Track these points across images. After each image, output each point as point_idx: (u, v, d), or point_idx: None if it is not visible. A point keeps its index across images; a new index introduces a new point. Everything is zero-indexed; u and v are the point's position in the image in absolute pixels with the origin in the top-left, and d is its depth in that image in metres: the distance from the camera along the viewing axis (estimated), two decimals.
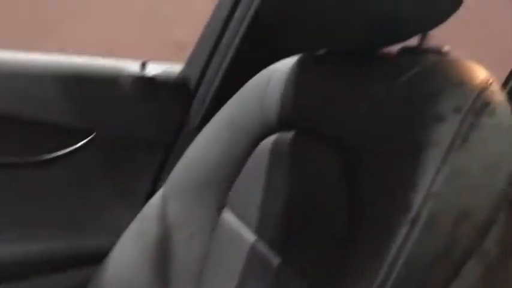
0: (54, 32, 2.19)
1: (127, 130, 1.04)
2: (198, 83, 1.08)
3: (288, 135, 0.65)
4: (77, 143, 1.00)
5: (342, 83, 0.61)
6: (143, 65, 1.06)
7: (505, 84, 1.74)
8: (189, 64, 1.12)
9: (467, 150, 0.49)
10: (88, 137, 1.00)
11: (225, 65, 1.04)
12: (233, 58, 1.03)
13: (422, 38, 0.58)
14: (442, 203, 0.48)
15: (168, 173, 1.09)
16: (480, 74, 0.52)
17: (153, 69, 1.07)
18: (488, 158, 0.49)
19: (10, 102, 0.92)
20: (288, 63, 0.71)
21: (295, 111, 0.65)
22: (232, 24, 1.04)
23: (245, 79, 0.85)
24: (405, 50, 0.59)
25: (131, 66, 1.06)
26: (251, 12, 1.00)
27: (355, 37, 0.57)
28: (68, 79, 0.98)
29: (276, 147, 0.66)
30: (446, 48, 0.58)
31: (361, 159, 0.53)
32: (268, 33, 0.69)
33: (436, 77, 0.52)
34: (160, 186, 1.09)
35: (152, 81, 1.05)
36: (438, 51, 0.57)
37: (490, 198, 0.49)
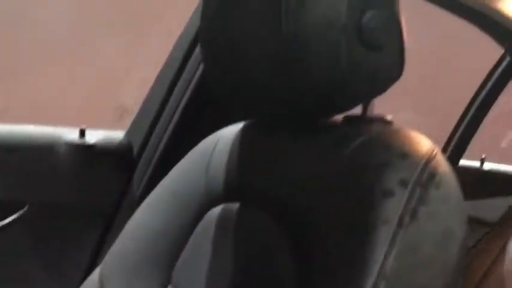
0: None
1: (64, 202, 0.98)
2: (141, 150, 1.05)
3: (234, 206, 0.62)
4: (7, 217, 0.93)
5: (287, 153, 0.59)
6: (82, 132, 1.02)
7: (444, 149, 1.80)
8: (131, 130, 1.09)
9: (417, 227, 0.48)
10: (19, 210, 0.94)
11: (169, 131, 1.02)
12: (178, 124, 1.00)
13: (365, 107, 0.58)
14: (395, 284, 0.46)
15: (109, 247, 1.02)
16: (424, 144, 0.52)
17: (93, 136, 1.03)
18: (438, 232, 0.49)
19: None
20: (233, 129, 0.70)
21: (241, 181, 0.63)
22: (178, 88, 1.02)
23: (190, 145, 0.82)
24: (349, 119, 0.59)
25: (69, 134, 1.01)
26: (197, 76, 0.99)
27: (298, 106, 0.56)
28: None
29: (221, 220, 0.63)
30: (389, 117, 0.58)
31: (309, 237, 0.51)
32: (214, 98, 0.68)
33: (381, 149, 0.52)
34: (100, 261, 1.03)
35: (92, 149, 1.01)
36: (382, 120, 0.57)
37: (443, 273, 0.48)
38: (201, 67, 0.99)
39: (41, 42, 2.27)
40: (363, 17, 0.51)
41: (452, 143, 1.79)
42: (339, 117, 0.60)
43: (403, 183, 0.49)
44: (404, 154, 0.50)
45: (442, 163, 0.51)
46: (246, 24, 0.54)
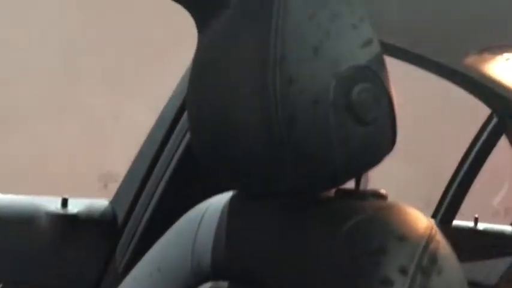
0: None
1: (43, 277, 0.93)
2: (126, 220, 1.01)
3: (223, 285, 0.58)
4: None
5: (277, 229, 0.57)
6: (64, 202, 0.98)
7: (437, 210, 1.77)
8: (116, 199, 1.05)
9: None
10: None
11: (155, 199, 0.98)
12: (164, 192, 0.97)
13: (358, 181, 0.56)
14: None
15: None
16: (421, 222, 0.50)
17: (76, 205, 0.99)
18: None
19: None
20: (220, 200, 0.66)
21: (229, 258, 0.59)
22: (164, 156, 1.00)
23: (177, 215, 0.79)
24: (342, 193, 0.56)
25: (50, 203, 0.97)
26: (184, 143, 0.96)
27: (287, 182, 0.54)
28: None
29: None
30: (383, 191, 0.55)
31: None
32: (201, 168, 0.65)
33: (377, 231, 0.49)
34: None
35: (74, 219, 0.96)
36: (376, 194, 0.55)
37: None
38: (188, 134, 0.97)
39: (21, 101, 2.22)
40: (352, 90, 0.49)
41: (444, 204, 1.77)
42: (331, 190, 0.57)
43: (403, 271, 0.46)
44: (402, 236, 0.47)
45: (441, 243, 0.49)
46: (233, 98, 0.52)
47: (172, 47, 2.10)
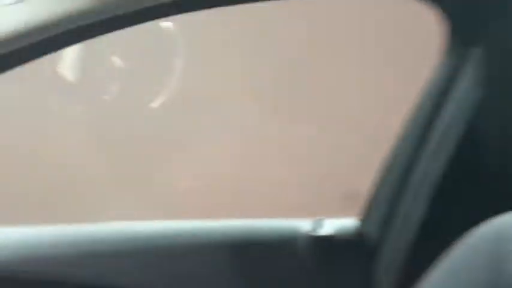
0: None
1: None
2: (381, 242, 0.91)
3: None
4: None
5: None
6: (318, 222, 0.94)
7: None
8: (366, 217, 0.96)
9: None
10: None
11: (415, 217, 0.86)
12: (429, 205, 0.84)
13: None
14: None
15: None
16: None
17: (328, 226, 0.94)
18: None
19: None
20: None
21: None
22: (421, 164, 0.86)
23: (449, 234, 0.65)
24: None
25: (302, 225, 0.93)
26: (448, 151, 0.82)
27: None
28: (232, 247, 0.88)
29: None
30: None
31: None
32: (488, 166, 0.52)
33: None
34: None
35: (329, 240, 0.91)
36: None
37: None
38: (453, 137, 0.83)
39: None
40: None
41: None
42: None
43: None
44: None
45: None
46: None
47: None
